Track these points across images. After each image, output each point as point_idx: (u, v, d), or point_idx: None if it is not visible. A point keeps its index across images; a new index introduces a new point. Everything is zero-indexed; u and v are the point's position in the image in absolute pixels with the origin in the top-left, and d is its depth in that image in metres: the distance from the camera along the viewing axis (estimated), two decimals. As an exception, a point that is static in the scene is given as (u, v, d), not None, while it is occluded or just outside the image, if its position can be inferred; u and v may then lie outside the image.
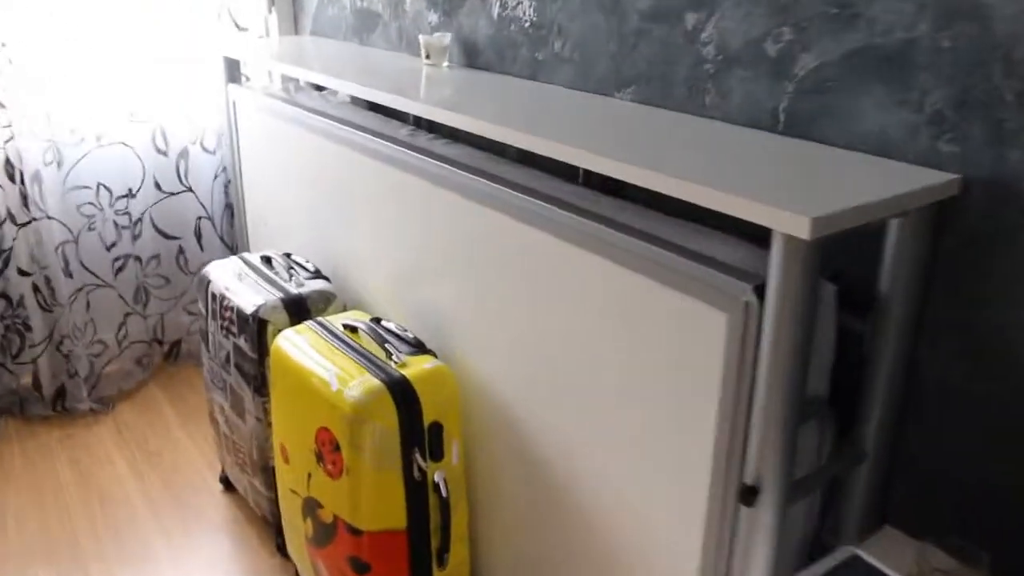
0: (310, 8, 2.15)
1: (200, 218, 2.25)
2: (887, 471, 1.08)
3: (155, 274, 2.28)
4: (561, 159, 1.08)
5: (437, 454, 1.34)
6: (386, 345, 1.37)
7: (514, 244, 1.23)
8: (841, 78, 1.03)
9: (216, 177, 2.24)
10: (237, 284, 1.65)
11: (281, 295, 1.58)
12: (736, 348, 0.93)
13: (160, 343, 2.36)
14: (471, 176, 1.30)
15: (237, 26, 2.19)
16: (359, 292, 1.68)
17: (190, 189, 2.22)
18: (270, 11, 2.18)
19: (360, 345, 1.40)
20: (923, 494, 1.04)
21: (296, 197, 1.85)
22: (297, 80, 2.14)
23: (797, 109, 1.09)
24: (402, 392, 1.29)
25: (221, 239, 2.28)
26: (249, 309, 1.56)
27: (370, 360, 1.35)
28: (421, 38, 1.62)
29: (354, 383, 1.29)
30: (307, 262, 1.74)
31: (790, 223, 0.80)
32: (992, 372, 0.95)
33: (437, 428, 1.33)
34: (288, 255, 1.77)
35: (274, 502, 1.66)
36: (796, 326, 0.88)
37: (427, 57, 1.63)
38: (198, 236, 2.27)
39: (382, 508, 1.32)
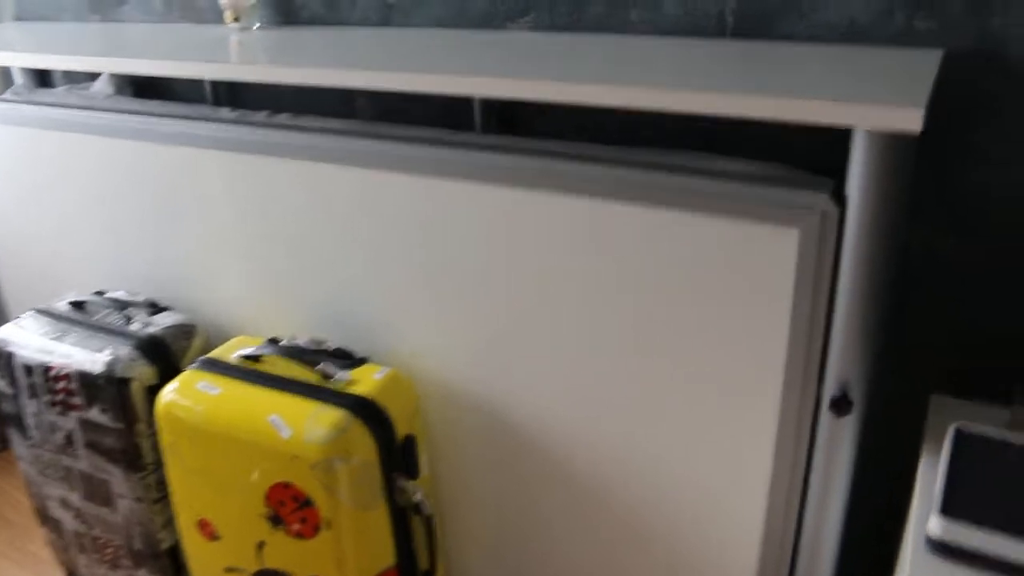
0: (8, -12, 1.71)
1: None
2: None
3: None
4: (498, 95, 0.93)
5: (414, 471, 1.16)
6: (318, 366, 1.15)
7: (458, 209, 1.07)
8: (797, -33, 0.99)
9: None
10: (58, 345, 1.30)
11: (131, 342, 1.27)
12: (811, 263, 0.88)
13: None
14: (357, 141, 1.11)
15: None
16: (216, 315, 1.40)
17: None
18: (-52, -2, 1.70)
19: (282, 376, 1.16)
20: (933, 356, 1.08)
21: (79, 220, 1.48)
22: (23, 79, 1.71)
23: (747, 10, 1.03)
24: (370, 413, 1.09)
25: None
26: (98, 369, 1.23)
27: (309, 389, 1.12)
28: (221, -2, 1.34)
29: (310, 421, 1.06)
30: (135, 295, 1.41)
31: (898, 118, 0.75)
32: (977, 236, 0.99)
33: (410, 442, 1.15)
34: (101, 293, 1.42)
35: (179, 588, 1.37)
36: (886, 227, 0.84)
37: (235, 19, 1.35)
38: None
39: (372, 550, 1.12)
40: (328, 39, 1.25)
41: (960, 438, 0.86)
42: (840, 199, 0.85)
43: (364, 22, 1.31)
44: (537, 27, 1.18)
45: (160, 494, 1.31)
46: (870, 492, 1.17)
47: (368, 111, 1.36)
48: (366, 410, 1.09)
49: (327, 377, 1.14)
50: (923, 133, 0.99)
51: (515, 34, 1.17)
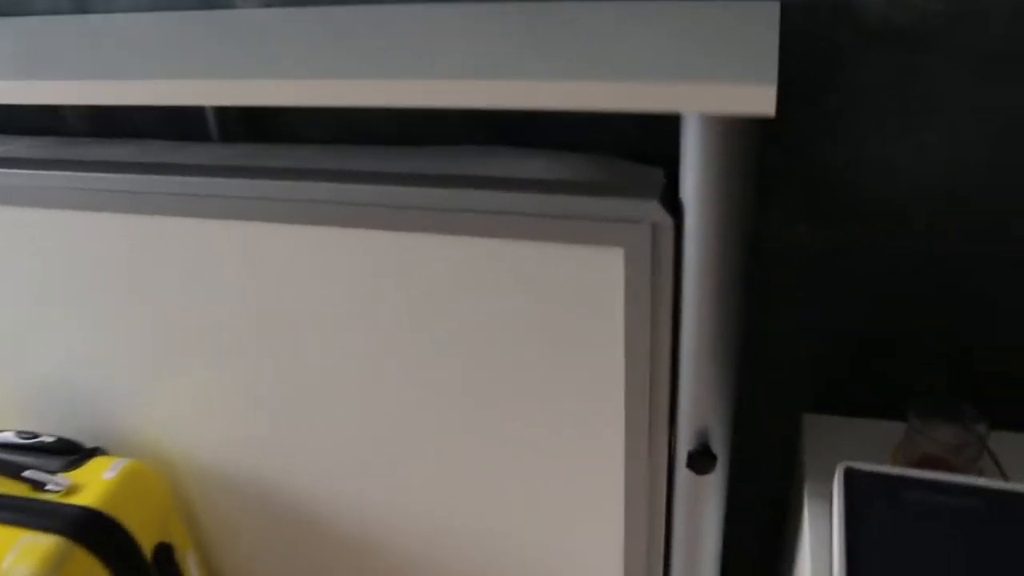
0: None
1: None
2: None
3: None
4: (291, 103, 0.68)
5: (177, 588, 0.89)
6: (24, 474, 0.86)
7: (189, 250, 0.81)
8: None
9: None
10: None
11: None
12: (644, 286, 0.68)
13: None
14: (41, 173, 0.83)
15: None
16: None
17: None
18: None
19: (-23, 491, 0.86)
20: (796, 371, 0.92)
21: None
22: None
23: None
24: (98, 531, 0.82)
25: None
26: None
27: (12, 508, 0.83)
28: None
29: (12, 557, 0.78)
30: None
31: (744, 99, 0.55)
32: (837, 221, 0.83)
33: (165, 551, 0.88)
34: None
35: None
36: (736, 227, 0.65)
37: None
38: None
39: None
40: (9, 34, 0.94)
41: (851, 481, 0.69)
42: (674, 203, 0.66)
43: (55, 9, 1.01)
44: (272, 2, 0.92)
45: None
46: (746, 543, 1.00)
47: (80, 124, 1.06)
48: (92, 527, 0.81)
49: (39, 487, 0.85)
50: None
51: (245, 13, 0.91)
